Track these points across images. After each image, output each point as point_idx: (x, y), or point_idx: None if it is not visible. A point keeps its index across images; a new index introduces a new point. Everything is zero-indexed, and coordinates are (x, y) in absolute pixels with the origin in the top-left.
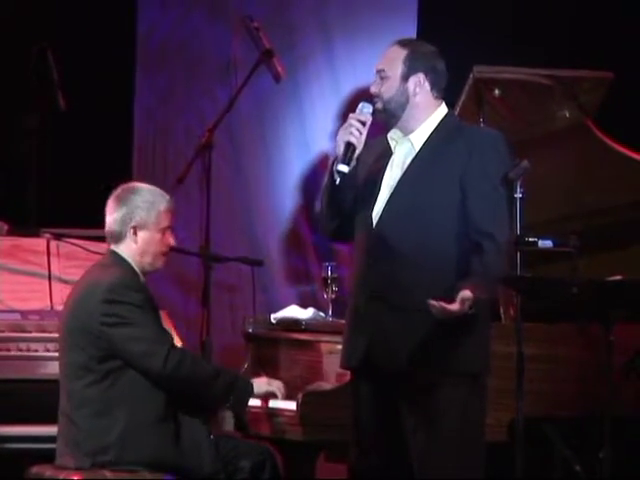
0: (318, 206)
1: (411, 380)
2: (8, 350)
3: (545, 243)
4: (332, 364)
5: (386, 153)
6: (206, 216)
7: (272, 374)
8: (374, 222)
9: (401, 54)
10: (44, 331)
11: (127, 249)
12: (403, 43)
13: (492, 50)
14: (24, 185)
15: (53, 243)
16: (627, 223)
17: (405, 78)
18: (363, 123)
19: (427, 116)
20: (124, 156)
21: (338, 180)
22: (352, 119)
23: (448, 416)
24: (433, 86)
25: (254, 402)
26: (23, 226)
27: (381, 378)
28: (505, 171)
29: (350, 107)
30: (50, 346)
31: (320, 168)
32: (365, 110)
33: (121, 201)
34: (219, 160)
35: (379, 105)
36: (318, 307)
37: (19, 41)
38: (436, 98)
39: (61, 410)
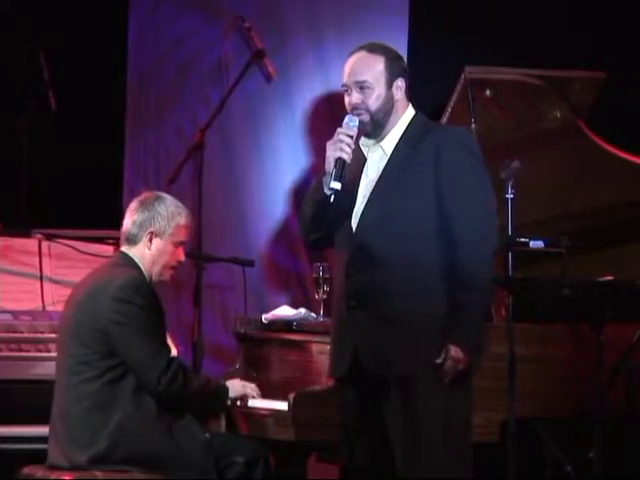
0: (301, 215)
1: (397, 383)
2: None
3: (536, 243)
4: (323, 364)
5: (361, 161)
6: (197, 216)
7: (263, 374)
8: (353, 231)
9: (379, 61)
10: (36, 332)
11: (139, 254)
12: (373, 49)
13: (484, 50)
14: (15, 185)
15: (45, 244)
16: (618, 223)
17: (389, 85)
18: (351, 137)
19: (398, 120)
20: (115, 157)
21: (332, 198)
22: (341, 134)
23: (432, 416)
24: (407, 88)
25: (255, 403)
26: (14, 227)
27: (367, 384)
28: (478, 166)
29: (342, 107)
30: (42, 347)
31: (311, 168)
32: (352, 124)
33: (144, 206)
34: (211, 160)
35: (365, 117)
36: (309, 307)
37: (10, 41)
38: (408, 100)
39: (56, 405)
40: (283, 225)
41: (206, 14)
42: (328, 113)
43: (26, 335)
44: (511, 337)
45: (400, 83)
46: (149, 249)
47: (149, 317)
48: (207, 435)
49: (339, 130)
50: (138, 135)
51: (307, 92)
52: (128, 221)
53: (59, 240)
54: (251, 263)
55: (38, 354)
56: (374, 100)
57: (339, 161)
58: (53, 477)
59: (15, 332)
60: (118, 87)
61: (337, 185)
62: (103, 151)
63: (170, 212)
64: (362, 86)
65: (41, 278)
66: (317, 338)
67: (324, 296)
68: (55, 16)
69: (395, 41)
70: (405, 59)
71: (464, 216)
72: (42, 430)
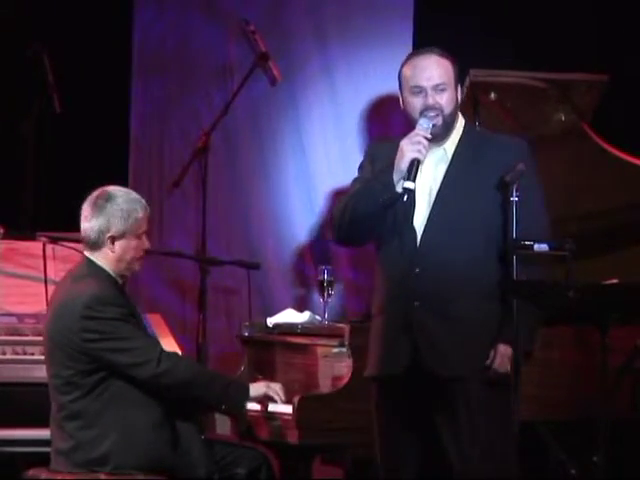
0: (344, 210)
1: (458, 383)
2: (4, 353)
3: (541, 247)
4: (328, 367)
5: None
6: (202, 219)
7: (268, 377)
8: (418, 232)
9: (449, 65)
10: (40, 334)
11: (103, 257)
12: (440, 53)
13: (489, 52)
14: (20, 188)
15: (49, 246)
16: (623, 226)
17: (456, 89)
18: (428, 140)
19: (457, 124)
20: (120, 160)
21: (406, 197)
22: (420, 136)
23: (492, 418)
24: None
25: (253, 406)
26: (19, 229)
27: (423, 383)
28: (535, 177)
29: (347, 110)
30: None
31: (316, 171)
32: (425, 126)
33: (97, 209)
34: (215, 163)
35: (439, 119)
36: (314, 310)
37: (14, 43)
38: None
39: (52, 417)
40: (288, 228)
41: (210, 17)
42: (333, 116)
43: (30, 338)
44: (516, 339)
45: (459, 88)
46: (113, 252)
47: (122, 323)
48: (202, 437)
49: (418, 132)
50: (143, 138)
51: (311, 95)
52: (85, 226)
53: (63, 243)
54: (256, 266)
55: (42, 357)
56: (448, 102)
57: (415, 162)
58: (58, 479)
59: (19, 335)
60: (123, 90)
61: (412, 185)
62: (107, 154)
63: (125, 211)
64: (440, 88)
65: (45, 281)
66: (322, 341)
67: (329, 299)
68: (60, 19)
69: (400, 45)
70: None
71: (524, 222)
72: (46, 433)
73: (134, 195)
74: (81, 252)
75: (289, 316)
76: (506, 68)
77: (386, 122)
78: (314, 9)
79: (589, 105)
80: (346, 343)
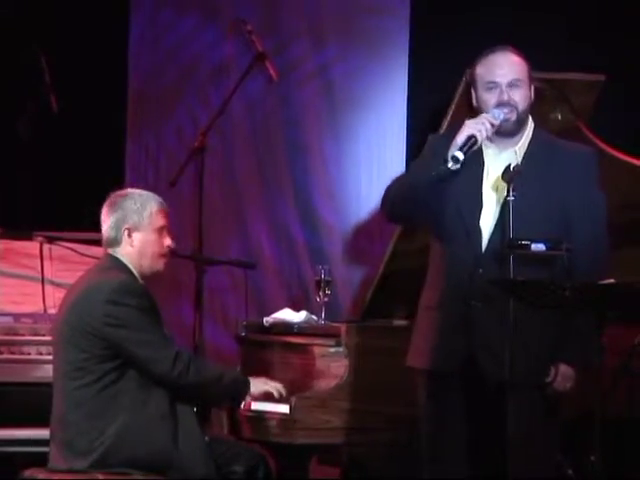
0: (394, 185)
1: (509, 389)
2: (0, 353)
3: (537, 246)
4: (325, 367)
5: (477, 159)
6: (198, 219)
7: (265, 377)
8: (485, 233)
9: (522, 61)
10: (37, 334)
11: (125, 253)
12: (514, 51)
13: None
14: (17, 188)
15: (46, 246)
16: (619, 225)
17: (530, 86)
18: (492, 125)
19: (527, 126)
20: (117, 159)
21: (451, 164)
22: (485, 119)
23: (541, 426)
24: None
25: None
26: (16, 229)
27: (477, 383)
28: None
29: (344, 109)
30: (43, 349)
31: (312, 170)
32: (496, 115)
33: (113, 206)
34: (211, 163)
35: (513, 115)
36: (311, 310)
37: (11, 43)
38: None
39: (54, 410)
40: (284, 227)
41: (207, 17)
42: (329, 115)
43: (27, 338)
44: (512, 339)
45: (532, 89)
46: (132, 245)
47: (145, 315)
48: (206, 438)
49: (484, 115)
50: (139, 138)
51: (308, 95)
52: (104, 226)
53: (60, 243)
54: (252, 265)
55: (39, 357)
56: (523, 99)
57: (472, 138)
58: (55, 479)
59: (16, 335)
60: (119, 90)
61: (460, 156)
62: (104, 154)
63: (139, 204)
64: (515, 85)
65: (42, 281)
66: (318, 341)
67: (325, 299)
68: (57, 19)
69: (396, 44)
70: (406, 62)
71: (586, 236)
72: (43, 433)
73: (150, 193)
74: (78, 252)
75: (286, 316)
76: None
77: (383, 122)
78: (311, 9)
79: (586, 104)
80: (343, 343)
